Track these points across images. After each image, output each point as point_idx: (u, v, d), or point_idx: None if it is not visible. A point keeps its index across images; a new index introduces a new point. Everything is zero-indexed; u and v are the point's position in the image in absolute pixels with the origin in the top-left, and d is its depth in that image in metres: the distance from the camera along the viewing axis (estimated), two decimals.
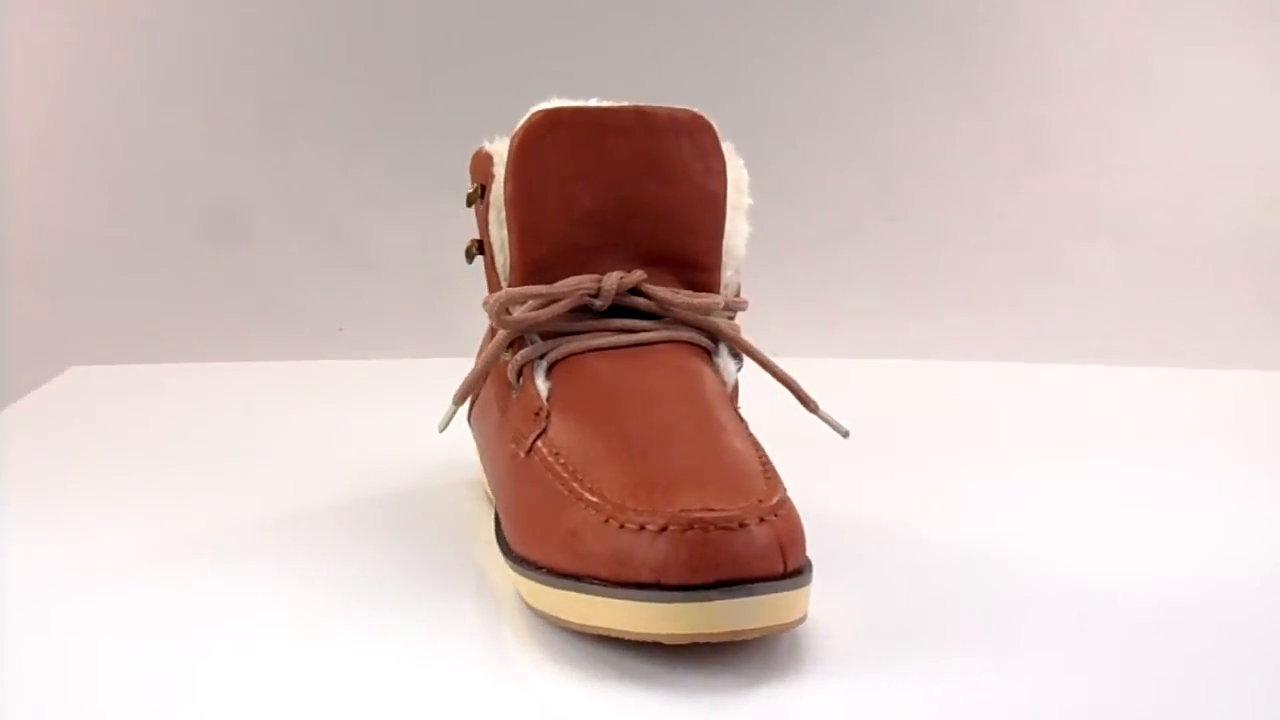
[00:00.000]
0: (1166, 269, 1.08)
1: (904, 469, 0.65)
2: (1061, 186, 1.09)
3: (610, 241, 0.49)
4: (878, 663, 0.41)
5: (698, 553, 0.36)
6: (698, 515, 0.37)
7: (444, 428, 0.50)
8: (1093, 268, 1.08)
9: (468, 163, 0.55)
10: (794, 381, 0.49)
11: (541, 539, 0.41)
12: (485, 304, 0.48)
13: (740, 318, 0.54)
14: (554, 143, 0.48)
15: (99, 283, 1.03)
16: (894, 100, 1.07)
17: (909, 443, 0.71)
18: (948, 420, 0.78)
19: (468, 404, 0.58)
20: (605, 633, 0.39)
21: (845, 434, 0.50)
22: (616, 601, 0.38)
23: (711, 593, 0.36)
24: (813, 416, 0.50)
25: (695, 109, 0.50)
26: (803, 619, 0.40)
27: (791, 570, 0.38)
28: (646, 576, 0.37)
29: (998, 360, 0.96)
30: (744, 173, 0.54)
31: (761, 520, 0.37)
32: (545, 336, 0.48)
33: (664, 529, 0.37)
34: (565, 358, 0.48)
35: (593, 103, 0.51)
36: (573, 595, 0.39)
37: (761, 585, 0.37)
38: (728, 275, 0.52)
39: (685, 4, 1.04)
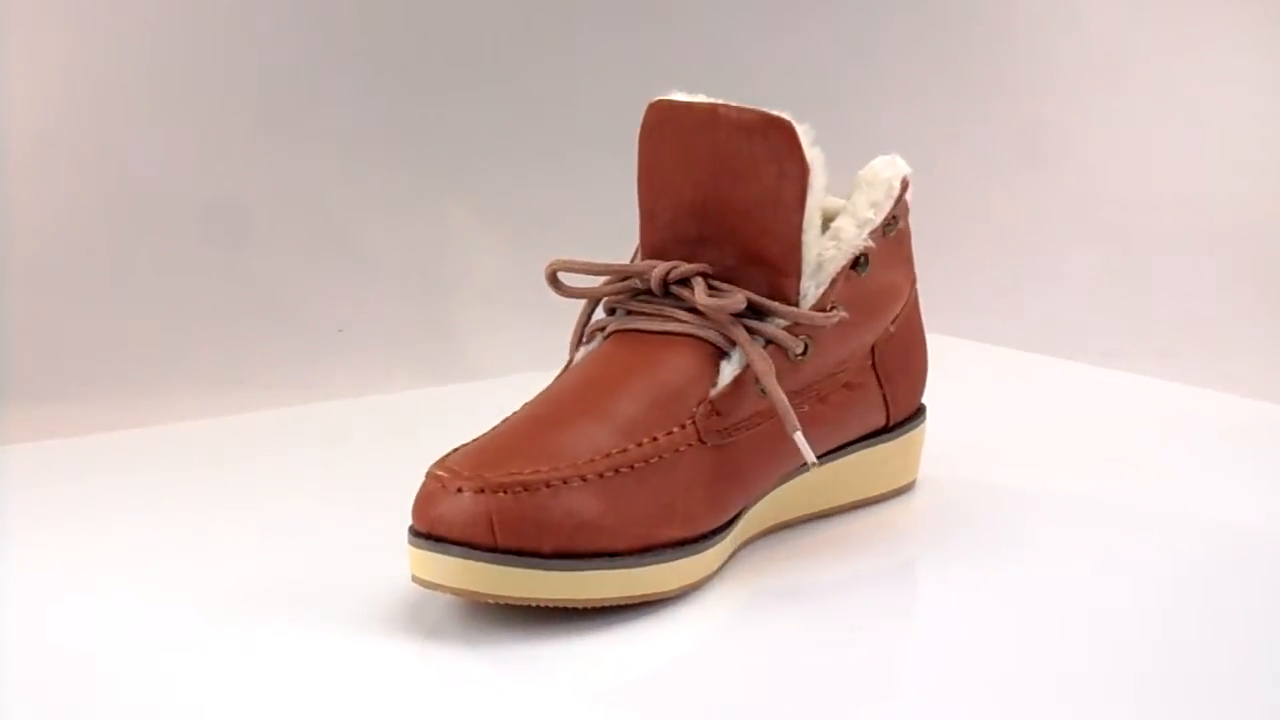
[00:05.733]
0: (1166, 269, 1.08)
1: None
2: (1062, 186, 1.09)
3: (713, 235, 0.50)
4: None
5: (432, 506, 0.42)
6: (498, 480, 0.42)
7: None
8: (1093, 268, 1.08)
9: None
10: (782, 402, 0.48)
11: None
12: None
13: None
14: (663, 136, 0.51)
15: (97, 284, 1.03)
16: (893, 100, 1.07)
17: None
18: (946, 420, 0.78)
19: None
20: None
21: (814, 463, 0.49)
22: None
23: (426, 543, 0.42)
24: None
25: (780, 112, 0.51)
26: (566, 602, 0.42)
27: (508, 547, 0.41)
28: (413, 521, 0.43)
29: (996, 359, 0.96)
30: (891, 185, 0.55)
31: (482, 491, 0.42)
32: (628, 312, 0.51)
33: (459, 490, 0.42)
34: (616, 332, 0.50)
35: (699, 98, 0.52)
36: None
37: (455, 548, 0.41)
38: (805, 285, 0.51)
39: (683, 5, 1.04)
